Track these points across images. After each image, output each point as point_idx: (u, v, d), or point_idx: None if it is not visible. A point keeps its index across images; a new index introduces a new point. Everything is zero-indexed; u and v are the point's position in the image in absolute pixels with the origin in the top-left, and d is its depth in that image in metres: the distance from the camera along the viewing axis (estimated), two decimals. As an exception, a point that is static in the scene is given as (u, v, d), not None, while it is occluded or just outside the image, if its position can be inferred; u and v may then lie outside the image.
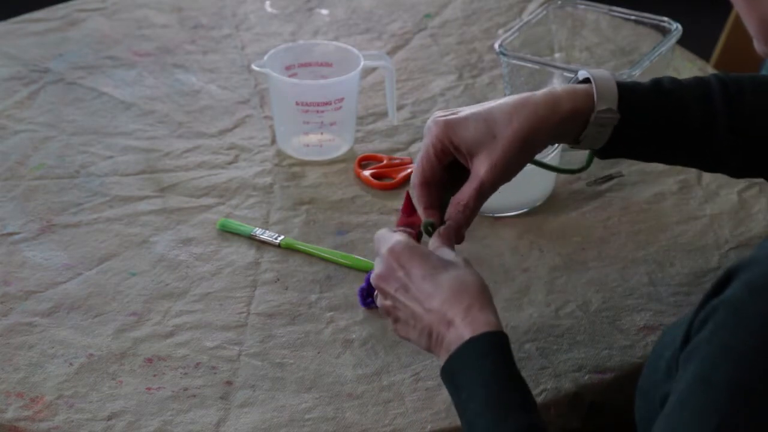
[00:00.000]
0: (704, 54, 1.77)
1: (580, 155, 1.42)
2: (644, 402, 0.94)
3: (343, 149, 1.47)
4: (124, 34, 1.73)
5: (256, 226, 1.33)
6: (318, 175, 1.43)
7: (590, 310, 1.21)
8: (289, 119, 1.45)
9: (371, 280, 1.07)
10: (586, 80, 1.10)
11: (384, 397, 1.11)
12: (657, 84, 1.11)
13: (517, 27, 1.53)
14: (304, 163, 1.45)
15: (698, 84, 1.12)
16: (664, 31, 1.53)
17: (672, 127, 1.11)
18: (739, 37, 2.00)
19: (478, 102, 1.13)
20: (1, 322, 1.20)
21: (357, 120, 1.49)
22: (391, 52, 1.68)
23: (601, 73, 1.10)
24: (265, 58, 1.44)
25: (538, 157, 1.13)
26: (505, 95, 1.33)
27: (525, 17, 1.69)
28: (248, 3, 1.83)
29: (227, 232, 1.33)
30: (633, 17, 1.60)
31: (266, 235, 1.31)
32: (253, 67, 1.43)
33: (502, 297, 1.22)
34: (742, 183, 1.40)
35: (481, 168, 1.07)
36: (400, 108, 1.54)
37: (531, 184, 1.34)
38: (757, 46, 0.91)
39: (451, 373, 0.99)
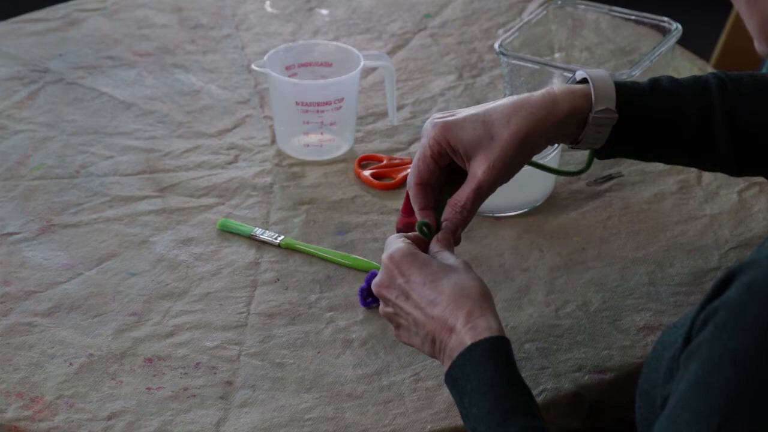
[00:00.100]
0: (704, 54, 1.77)
1: (580, 156, 1.42)
2: (644, 402, 0.94)
3: (343, 149, 1.47)
4: (124, 34, 1.73)
5: (256, 226, 1.33)
6: (318, 175, 1.43)
7: (590, 310, 1.21)
8: (289, 119, 1.45)
9: (372, 288, 1.07)
10: (584, 80, 1.10)
11: (384, 397, 1.11)
12: (655, 83, 1.11)
13: (517, 27, 1.53)
14: (304, 163, 1.45)
15: (696, 83, 1.12)
16: (664, 31, 1.53)
17: (670, 126, 1.11)
18: (739, 37, 2.00)
19: (477, 102, 1.13)
20: (1, 322, 1.20)
21: (357, 120, 1.49)
22: (391, 52, 1.68)
23: (599, 73, 1.09)
24: (265, 58, 1.44)
25: (537, 157, 1.13)
26: (505, 95, 1.33)
27: (525, 17, 1.69)
28: (248, 3, 1.83)
29: (227, 232, 1.33)
30: (633, 17, 1.60)
31: (266, 235, 1.31)
32: (253, 67, 1.43)
33: (502, 297, 1.22)
34: (742, 183, 1.40)
35: (478, 169, 1.07)
36: (400, 108, 1.54)
37: (531, 184, 1.34)
38: (758, 46, 0.91)
39: (454, 380, 0.99)
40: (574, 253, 1.30)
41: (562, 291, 1.24)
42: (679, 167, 1.43)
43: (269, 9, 1.81)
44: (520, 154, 1.07)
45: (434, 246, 1.07)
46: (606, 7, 1.61)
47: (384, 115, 1.54)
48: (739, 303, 0.79)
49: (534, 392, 1.09)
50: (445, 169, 1.10)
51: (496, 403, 0.96)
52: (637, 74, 1.41)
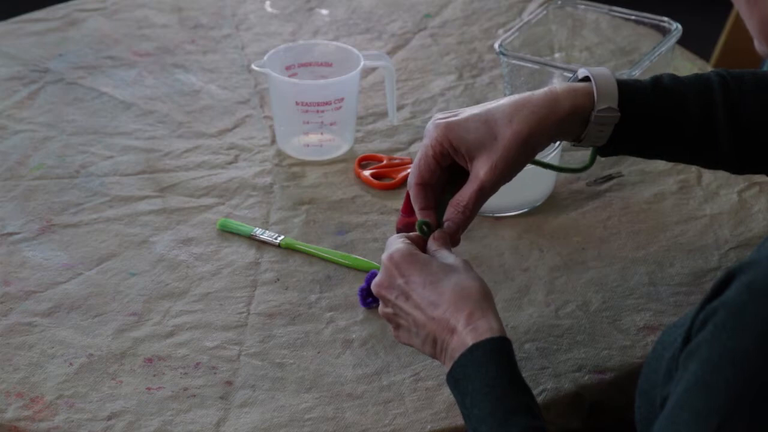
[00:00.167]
0: (704, 54, 1.77)
1: (581, 156, 1.42)
2: (644, 402, 0.94)
3: (343, 149, 1.47)
4: (124, 34, 1.73)
5: (256, 226, 1.33)
6: (318, 175, 1.43)
7: (590, 310, 1.21)
8: (289, 119, 1.45)
9: (372, 288, 1.07)
10: (586, 78, 1.10)
11: (384, 397, 1.11)
12: (657, 81, 1.11)
13: (517, 27, 1.53)
14: (304, 163, 1.45)
15: (698, 80, 1.12)
16: (664, 31, 1.53)
17: (672, 124, 1.11)
18: (739, 37, 2.00)
19: (477, 102, 1.13)
20: (1, 322, 1.20)
21: (357, 120, 1.49)
22: (391, 52, 1.68)
23: (601, 71, 1.09)
24: (265, 58, 1.44)
25: (538, 156, 1.13)
26: (505, 95, 1.33)
27: (525, 17, 1.69)
28: (248, 3, 1.83)
29: (227, 232, 1.33)
30: (633, 17, 1.60)
31: (266, 235, 1.31)
32: (253, 67, 1.43)
33: (502, 297, 1.22)
34: (742, 183, 1.40)
35: (481, 169, 1.07)
36: (400, 108, 1.54)
37: (531, 184, 1.34)
38: (758, 45, 0.91)
39: (455, 380, 0.99)
40: (574, 253, 1.30)
41: (562, 291, 1.24)
42: (680, 167, 1.43)
43: (269, 9, 1.81)
44: (522, 153, 1.07)
45: (432, 245, 1.07)
46: (606, 7, 1.61)
47: (384, 115, 1.54)
48: (738, 303, 0.79)
49: (534, 392, 1.09)
50: (447, 169, 1.10)
51: (497, 404, 0.96)
52: (637, 74, 1.41)
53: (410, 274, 1.03)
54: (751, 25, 0.90)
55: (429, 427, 1.07)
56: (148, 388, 1.11)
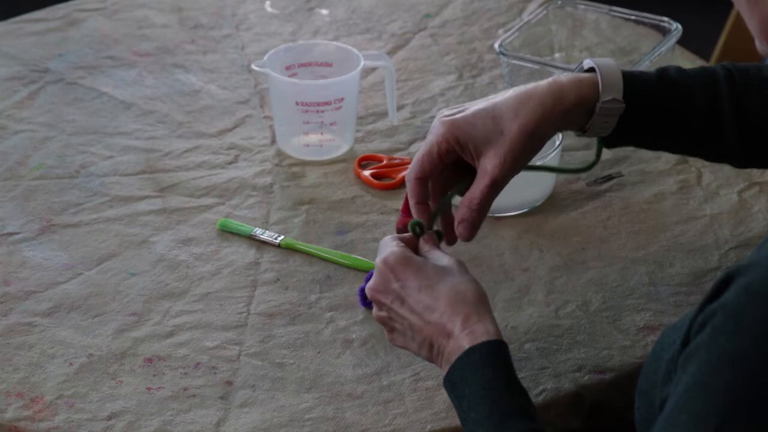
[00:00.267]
0: (704, 54, 1.77)
1: (581, 155, 1.42)
2: (643, 403, 0.94)
3: (343, 149, 1.47)
4: (124, 34, 1.73)
5: (256, 226, 1.33)
6: (318, 175, 1.43)
7: (590, 310, 1.21)
8: (289, 119, 1.45)
9: (366, 292, 1.07)
10: (591, 69, 1.10)
11: (384, 397, 1.11)
12: (663, 73, 1.11)
13: (517, 27, 1.53)
14: (304, 163, 1.45)
15: (704, 73, 1.12)
16: (664, 31, 1.53)
17: (677, 116, 1.11)
18: (739, 37, 2.00)
19: (478, 102, 1.13)
20: (1, 322, 1.20)
21: (357, 120, 1.49)
22: (391, 52, 1.68)
23: (606, 62, 1.09)
24: (265, 58, 1.44)
25: (538, 156, 1.12)
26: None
27: (525, 17, 1.69)
28: (248, 3, 1.83)
29: (227, 232, 1.33)
30: (633, 17, 1.60)
31: (266, 235, 1.31)
32: (253, 67, 1.43)
33: (502, 297, 1.22)
34: (742, 183, 1.40)
35: (489, 165, 1.07)
36: (400, 108, 1.54)
37: (531, 184, 1.34)
38: (759, 45, 0.91)
39: (452, 384, 0.99)
40: (574, 253, 1.29)
41: (562, 291, 1.24)
42: (680, 167, 1.43)
43: (269, 9, 1.81)
44: (529, 145, 1.07)
45: (423, 246, 1.08)
46: (606, 7, 1.61)
47: (384, 115, 1.54)
48: (736, 305, 0.79)
49: (534, 392, 1.10)
50: (449, 165, 1.10)
51: (494, 407, 0.96)
52: (637, 74, 1.41)
53: (405, 277, 1.03)
54: (752, 25, 0.90)
55: (429, 427, 1.07)
56: (148, 388, 1.11)
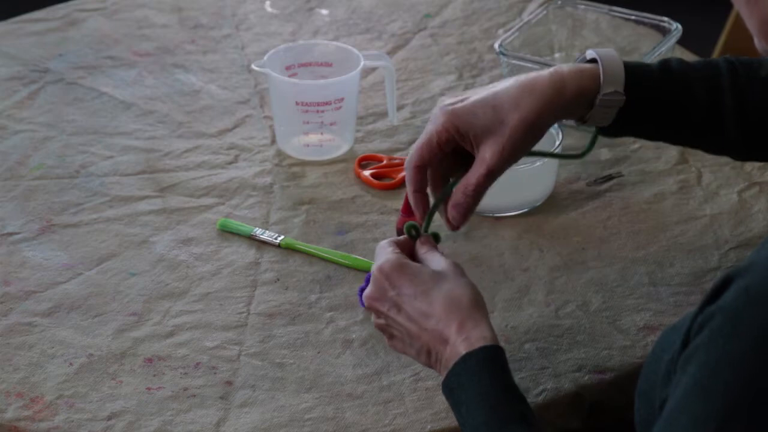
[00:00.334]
0: (704, 54, 1.76)
1: (582, 147, 1.42)
2: (643, 404, 0.94)
3: (343, 149, 1.47)
4: (124, 34, 1.73)
5: (256, 226, 1.33)
6: (318, 175, 1.43)
7: (590, 310, 1.21)
8: (289, 119, 1.45)
9: (363, 299, 1.07)
10: (593, 60, 1.10)
11: (384, 397, 1.11)
12: (665, 65, 1.11)
13: (517, 27, 1.53)
14: (304, 163, 1.45)
15: (706, 65, 1.12)
16: (664, 31, 1.53)
17: (679, 108, 1.11)
18: (739, 37, 2.00)
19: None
20: (1, 322, 1.20)
21: (357, 120, 1.49)
22: (391, 52, 1.68)
23: (609, 53, 1.09)
24: (265, 58, 1.44)
25: (537, 146, 1.12)
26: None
27: (525, 17, 1.69)
28: (248, 3, 1.83)
29: (227, 232, 1.33)
30: (633, 17, 1.60)
31: (266, 235, 1.31)
32: (253, 67, 1.43)
33: (502, 297, 1.22)
34: (742, 183, 1.40)
35: (487, 153, 1.07)
36: (400, 108, 1.54)
37: (531, 184, 1.34)
38: (758, 44, 0.91)
39: (450, 389, 0.99)
40: (574, 253, 1.29)
41: (562, 291, 1.24)
42: (680, 167, 1.43)
43: (269, 9, 1.81)
44: (529, 136, 1.08)
45: (420, 248, 1.08)
46: (606, 7, 1.61)
47: (384, 115, 1.54)
48: (735, 307, 0.79)
49: (534, 392, 1.10)
50: (448, 154, 1.10)
51: (491, 413, 0.96)
52: (637, 74, 1.41)
53: (401, 285, 1.03)
54: (751, 25, 0.90)
55: (429, 427, 1.07)
56: (148, 388, 1.11)
